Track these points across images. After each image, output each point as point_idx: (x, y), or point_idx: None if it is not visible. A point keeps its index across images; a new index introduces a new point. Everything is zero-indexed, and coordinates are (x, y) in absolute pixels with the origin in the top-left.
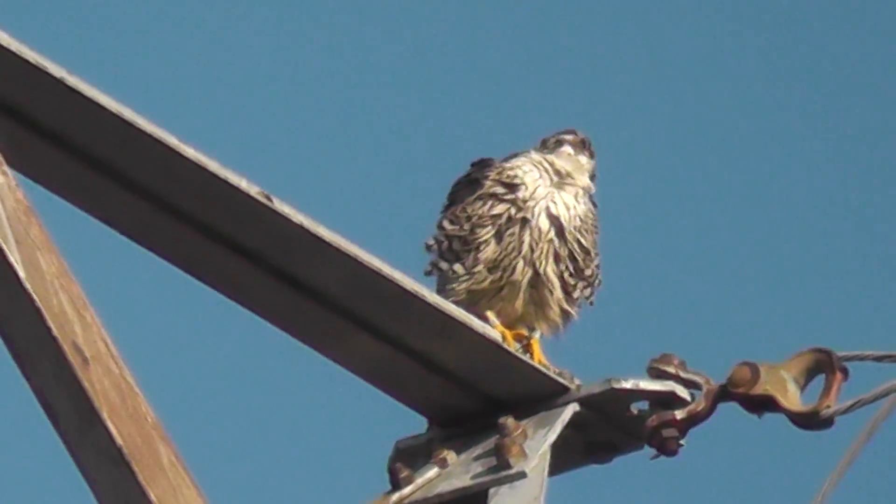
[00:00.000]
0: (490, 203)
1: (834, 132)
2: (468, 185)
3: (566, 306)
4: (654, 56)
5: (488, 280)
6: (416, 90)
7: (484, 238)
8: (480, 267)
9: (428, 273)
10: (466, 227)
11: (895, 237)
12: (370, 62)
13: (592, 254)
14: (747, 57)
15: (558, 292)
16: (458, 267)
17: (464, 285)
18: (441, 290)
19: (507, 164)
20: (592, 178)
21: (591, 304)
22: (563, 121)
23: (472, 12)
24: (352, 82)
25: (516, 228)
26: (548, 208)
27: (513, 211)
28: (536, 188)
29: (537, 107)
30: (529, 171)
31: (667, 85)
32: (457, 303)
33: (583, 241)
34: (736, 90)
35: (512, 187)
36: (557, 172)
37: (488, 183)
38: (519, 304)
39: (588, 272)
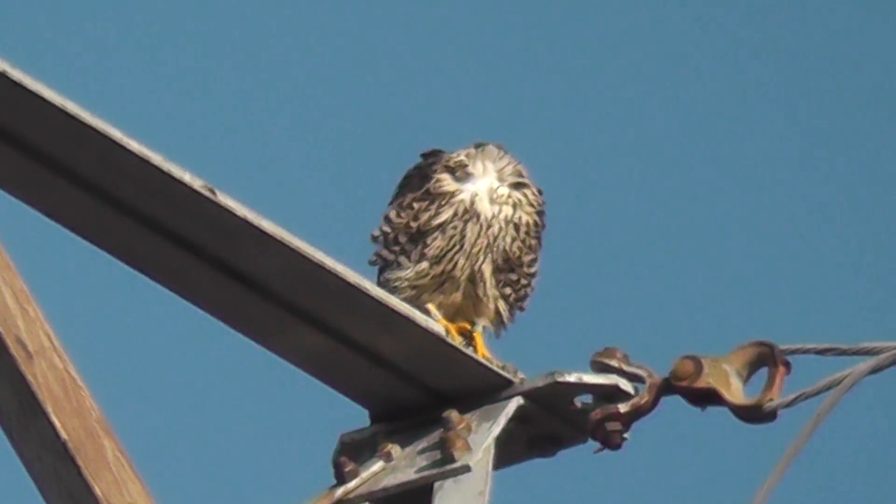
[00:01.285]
0: (437, 198)
1: (783, 126)
2: (418, 177)
3: (500, 305)
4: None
5: (430, 274)
6: (360, 80)
7: (432, 233)
8: (425, 262)
9: (372, 262)
10: (413, 222)
11: (837, 230)
12: (312, 52)
13: (522, 257)
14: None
15: (492, 290)
16: (402, 259)
17: (407, 278)
18: (382, 283)
19: (454, 153)
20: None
21: (521, 308)
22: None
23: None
24: (294, 74)
25: (459, 222)
26: (486, 202)
27: (459, 205)
28: (478, 182)
29: (480, 100)
30: (473, 164)
31: (619, 75)
32: (399, 296)
33: (514, 242)
34: (685, 81)
35: (459, 173)
36: (499, 170)
37: (437, 175)
38: (457, 297)
39: (513, 276)
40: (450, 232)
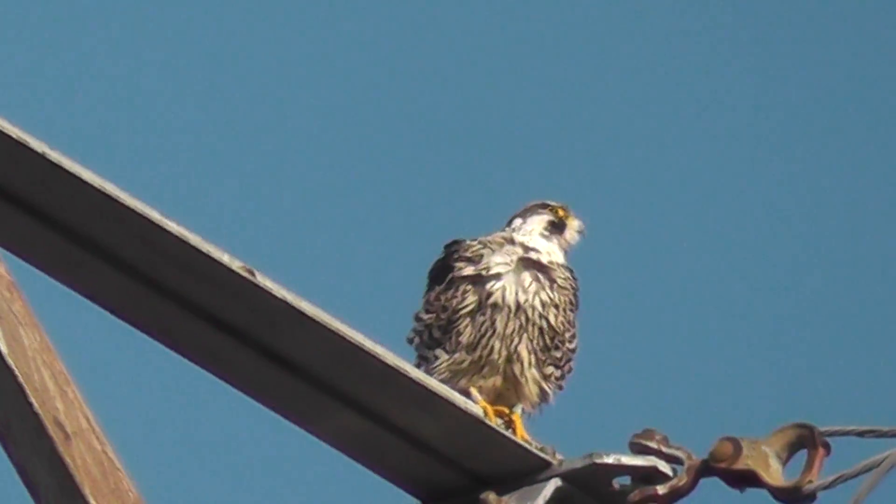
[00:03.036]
0: (461, 287)
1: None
2: (441, 269)
3: (543, 384)
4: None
5: (468, 361)
6: (396, 164)
7: (461, 323)
8: (461, 351)
9: (417, 366)
10: (443, 314)
11: (877, 313)
12: (348, 139)
13: (564, 333)
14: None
15: (531, 370)
16: (439, 352)
17: (446, 366)
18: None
19: (472, 242)
20: (570, 242)
21: (561, 388)
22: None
23: (450, 81)
24: (334, 159)
25: (487, 310)
26: (512, 289)
27: (482, 294)
28: (499, 270)
29: (514, 178)
30: (494, 253)
31: (645, 139)
32: (440, 380)
33: (550, 319)
34: (723, 161)
35: (478, 264)
36: (525, 250)
37: (458, 265)
38: (498, 381)
39: (558, 353)
40: (479, 319)
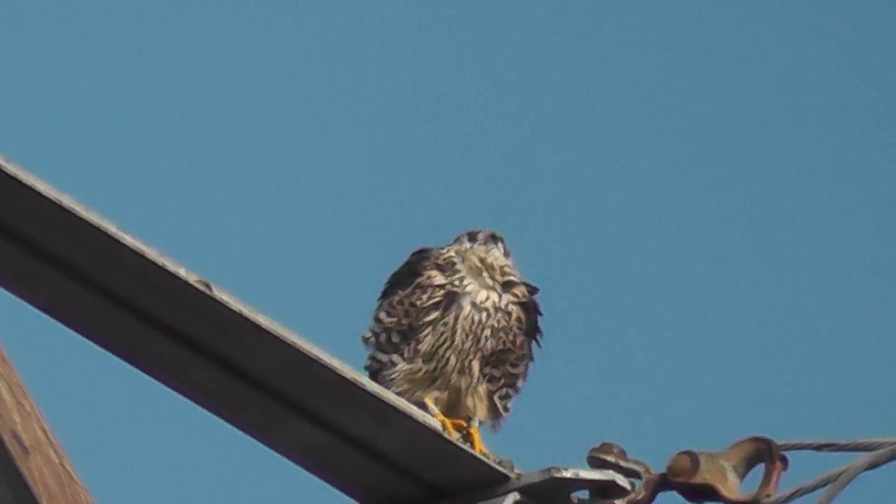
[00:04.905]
0: (429, 291)
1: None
2: (407, 274)
3: (494, 400)
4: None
5: (423, 370)
6: (351, 179)
7: (424, 329)
8: (418, 360)
9: (368, 367)
10: (405, 319)
11: (835, 326)
12: (306, 153)
13: (516, 352)
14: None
15: (482, 385)
16: (396, 358)
17: (402, 375)
18: (377, 379)
19: (443, 250)
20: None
21: (506, 409)
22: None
23: (425, 105)
24: (289, 174)
25: (450, 319)
26: (475, 299)
27: (450, 304)
28: (468, 282)
29: (477, 190)
30: (464, 264)
31: (613, 152)
32: (395, 390)
33: (505, 338)
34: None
35: (449, 273)
36: (487, 266)
37: (427, 272)
38: (450, 394)
39: (497, 373)
40: (440, 329)
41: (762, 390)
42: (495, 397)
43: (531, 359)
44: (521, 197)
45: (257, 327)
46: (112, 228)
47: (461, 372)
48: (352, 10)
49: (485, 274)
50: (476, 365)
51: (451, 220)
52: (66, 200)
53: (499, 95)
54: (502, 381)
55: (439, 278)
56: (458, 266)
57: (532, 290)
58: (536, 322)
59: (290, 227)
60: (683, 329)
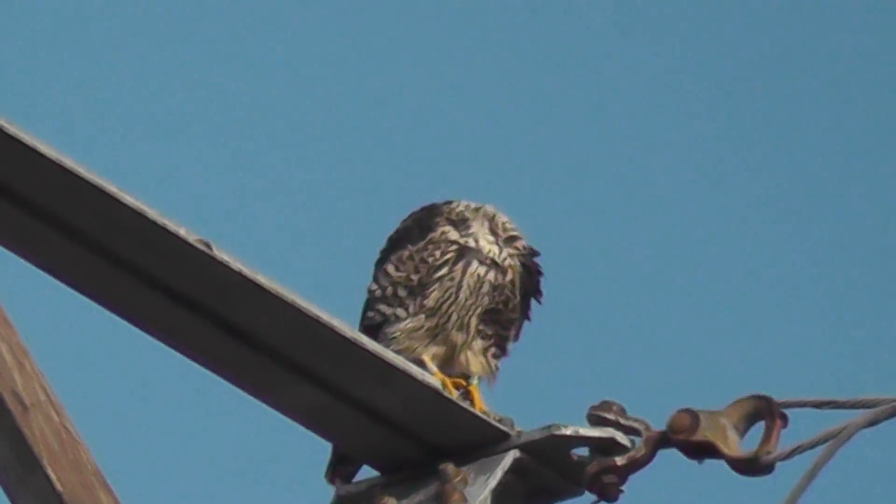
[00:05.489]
0: (442, 247)
1: (775, 181)
2: (417, 228)
3: (488, 356)
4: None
5: (426, 326)
6: (354, 139)
7: (432, 285)
8: (423, 314)
9: (370, 318)
10: (415, 274)
11: (835, 284)
12: (306, 110)
13: (506, 314)
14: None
15: (477, 341)
16: (400, 312)
17: (405, 332)
18: (379, 337)
19: (454, 205)
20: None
21: (496, 367)
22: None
23: (413, 57)
24: (291, 131)
25: (457, 274)
26: (481, 255)
27: (461, 260)
28: (477, 236)
29: (477, 161)
30: (475, 220)
31: (609, 137)
32: (394, 347)
33: (498, 297)
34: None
35: (462, 226)
36: (494, 223)
37: (440, 228)
38: (448, 349)
39: (500, 331)
40: (446, 284)
41: (762, 348)
42: (488, 354)
43: (527, 318)
44: (515, 161)
45: (257, 287)
46: (112, 188)
47: (460, 328)
48: None
49: (492, 229)
50: (474, 321)
51: (448, 183)
52: (67, 161)
53: (491, 66)
54: (493, 339)
55: (453, 234)
56: (471, 221)
57: (533, 252)
58: (538, 283)
59: (290, 188)
60: (683, 287)
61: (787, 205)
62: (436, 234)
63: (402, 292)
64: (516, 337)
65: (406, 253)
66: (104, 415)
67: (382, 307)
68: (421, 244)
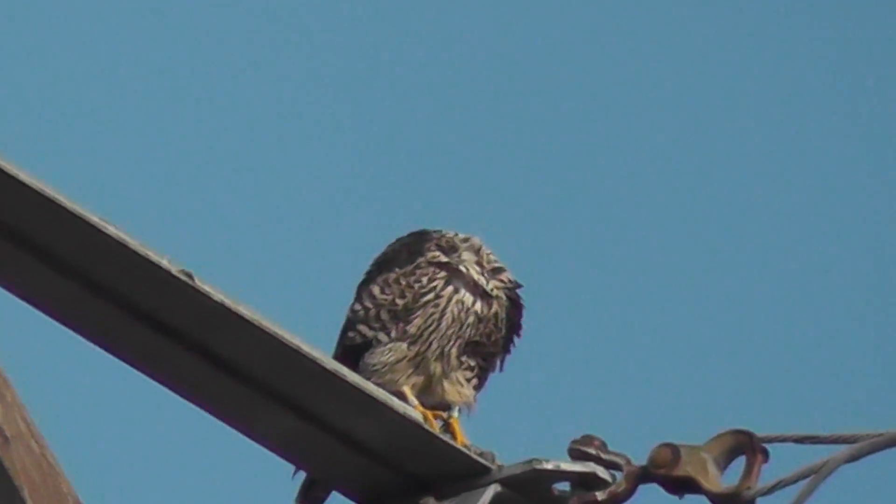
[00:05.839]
0: (430, 273)
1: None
2: (406, 252)
3: (468, 388)
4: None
5: (407, 355)
6: (336, 173)
7: (416, 311)
8: (406, 341)
9: (351, 339)
10: (400, 299)
11: (813, 319)
12: (288, 143)
13: (489, 347)
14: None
15: (457, 373)
16: (382, 336)
17: (387, 363)
18: (360, 367)
19: (445, 233)
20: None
21: (472, 401)
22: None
23: (395, 96)
24: (269, 164)
25: (441, 301)
26: (469, 284)
27: (448, 286)
28: (466, 264)
29: (454, 192)
30: (464, 250)
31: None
32: (377, 379)
33: (483, 329)
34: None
35: (452, 253)
36: (481, 254)
37: (431, 252)
38: (427, 379)
39: (472, 363)
40: (430, 310)
41: (743, 383)
42: (468, 385)
43: (507, 351)
44: (495, 192)
45: (239, 317)
46: (94, 218)
47: (439, 357)
48: None
49: (478, 261)
50: (454, 352)
51: (428, 216)
52: (49, 190)
53: (466, 86)
54: (474, 370)
55: (443, 258)
56: (461, 251)
57: (517, 285)
58: (520, 317)
59: (271, 219)
60: (664, 322)
61: (763, 236)
62: (425, 259)
63: (384, 315)
64: (500, 368)
65: (393, 276)
66: (85, 446)
67: (363, 328)
68: (409, 268)
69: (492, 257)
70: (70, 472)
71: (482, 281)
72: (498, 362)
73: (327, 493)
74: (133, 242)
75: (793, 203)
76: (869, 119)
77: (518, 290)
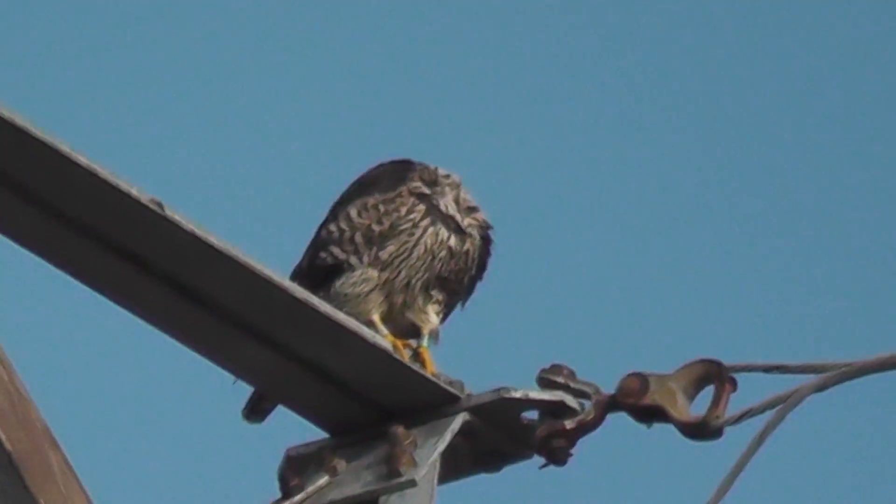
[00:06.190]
0: (410, 202)
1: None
2: (389, 178)
3: (429, 317)
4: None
5: (376, 279)
6: (311, 98)
7: (391, 238)
8: (377, 267)
9: (322, 260)
10: (376, 225)
11: (783, 249)
12: (264, 70)
13: (454, 285)
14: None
15: (424, 303)
16: (354, 260)
17: (359, 287)
18: (331, 293)
19: (429, 165)
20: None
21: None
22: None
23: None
24: (248, 91)
25: (417, 231)
26: (445, 218)
27: (426, 215)
28: (446, 198)
29: (425, 122)
30: (445, 179)
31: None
32: (343, 303)
33: (454, 266)
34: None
35: (434, 186)
36: (456, 197)
37: (413, 183)
38: (392, 309)
39: (440, 297)
40: (404, 239)
41: (712, 313)
42: (432, 312)
43: (471, 292)
44: (465, 129)
45: (209, 247)
46: (64, 148)
47: (404, 288)
48: None
49: (455, 198)
50: (419, 284)
51: (402, 146)
52: (18, 120)
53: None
54: (440, 305)
55: (425, 189)
56: (442, 186)
57: (488, 225)
58: (487, 258)
59: (242, 148)
60: (633, 251)
61: (736, 167)
62: (407, 188)
63: (359, 238)
64: (462, 306)
65: (372, 200)
66: (53, 373)
67: (336, 250)
68: (390, 195)
69: (468, 196)
70: (38, 400)
71: (458, 217)
72: (460, 302)
73: (274, 406)
74: (103, 172)
75: (764, 131)
76: None
77: (490, 231)
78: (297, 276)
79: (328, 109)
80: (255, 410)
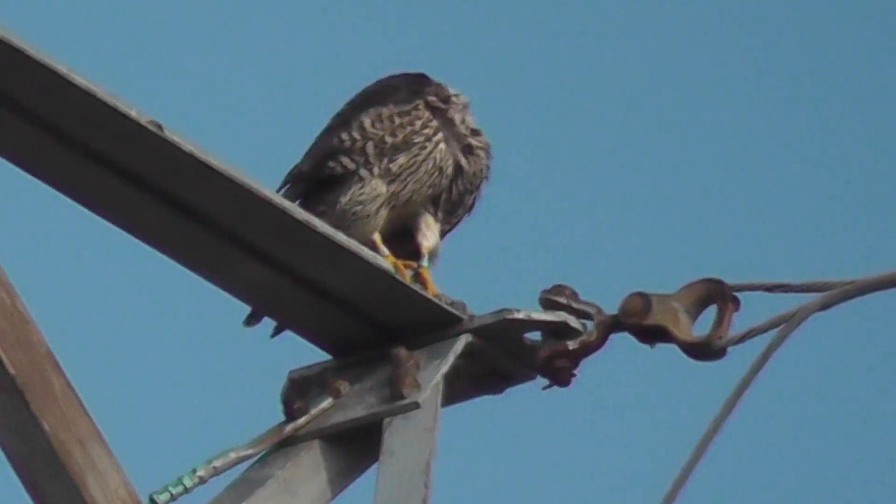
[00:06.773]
0: (425, 117)
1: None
2: (407, 91)
3: (428, 237)
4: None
5: (385, 191)
6: (308, 22)
7: (402, 150)
8: (386, 179)
9: (331, 169)
10: (389, 137)
11: (786, 167)
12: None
13: (453, 200)
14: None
15: (430, 218)
16: (364, 172)
17: (369, 206)
18: (340, 208)
19: (444, 83)
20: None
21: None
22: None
23: None
24: (242, 12)
25: (429, 145)
26: (455, 135)
27: (438, 131)
28: (457, 116)
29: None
30: (457, 98)
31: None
32: (351, 220)
33: (464, 192)
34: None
35: (447, 103)
36: (463, 118)
37: (430, 97)
38: (393, 220)
39: (449, 216)
40: (415, 151)
41: (714, 231)
42: (435, 232)
43: (469, 212)
44: (467, 47)
45: (208, 167)
46: (62, 69)
47: (408, 202)
48: None
49: (463, 118)
50: (421, 200)
51: (403, 63)
52: (16, 40)
53: None
54: (439, 223)
55: (441, 105)
56: (454, 101)
57: (489, 148)
58: (484, 181)
59: (241, 69)
60: (634, 170)
61: (737, 80)
62: (423, 101)
63: (370, 149)
64: (456, 224)
65: (386, 111)
66: (54, 295)
67: (345, 160)
68: (406, 107)
69: (472, 118)
70: (40, 322)
71: (467, 137)
72: (457, 222)
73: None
74: (101, 92)
75: (766, 53)
76: None
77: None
78: (294, 179)
79: (328, 28)
80: (257, 318)
